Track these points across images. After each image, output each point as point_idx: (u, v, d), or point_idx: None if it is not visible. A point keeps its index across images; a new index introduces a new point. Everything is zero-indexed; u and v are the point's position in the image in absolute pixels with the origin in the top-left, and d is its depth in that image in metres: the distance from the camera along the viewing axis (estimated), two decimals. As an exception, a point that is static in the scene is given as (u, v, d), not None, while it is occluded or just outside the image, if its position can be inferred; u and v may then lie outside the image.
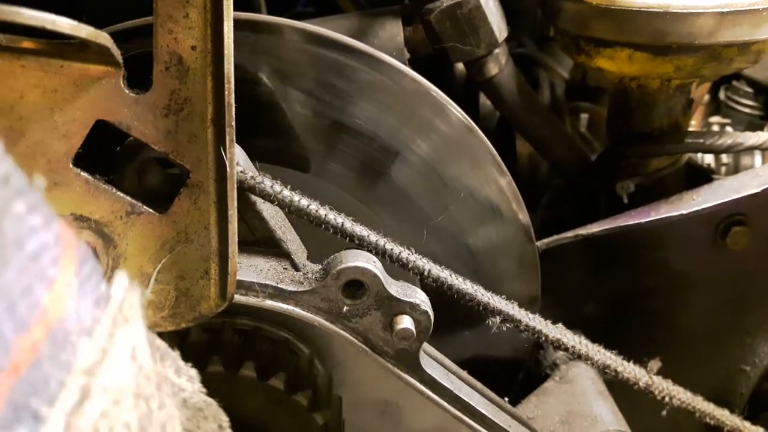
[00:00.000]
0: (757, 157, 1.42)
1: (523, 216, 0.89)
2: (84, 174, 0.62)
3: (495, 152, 0.86)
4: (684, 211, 0.94)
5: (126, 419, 0.39)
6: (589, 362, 0.86)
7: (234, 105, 0.60)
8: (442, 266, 0.76)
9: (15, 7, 0.47)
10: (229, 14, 0.59)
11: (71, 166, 0.61)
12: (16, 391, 0.33)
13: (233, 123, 0.61)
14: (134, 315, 0.43)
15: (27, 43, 0.56)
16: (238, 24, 0.75)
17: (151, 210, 0.64)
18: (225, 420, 0.58)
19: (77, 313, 0.38)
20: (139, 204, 0.63)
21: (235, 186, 0.63)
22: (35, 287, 0.35)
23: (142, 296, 0.45)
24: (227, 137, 0.61)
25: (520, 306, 0.81)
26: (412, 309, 0.74)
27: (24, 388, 0.33)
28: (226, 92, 0.60)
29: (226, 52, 0.59)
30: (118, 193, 0.63)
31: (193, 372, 0.54)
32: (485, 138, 0.85)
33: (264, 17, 0.80)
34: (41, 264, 0.35)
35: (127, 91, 0.60)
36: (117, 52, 0.58)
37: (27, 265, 0.34)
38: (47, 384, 0.34)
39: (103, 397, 0.37)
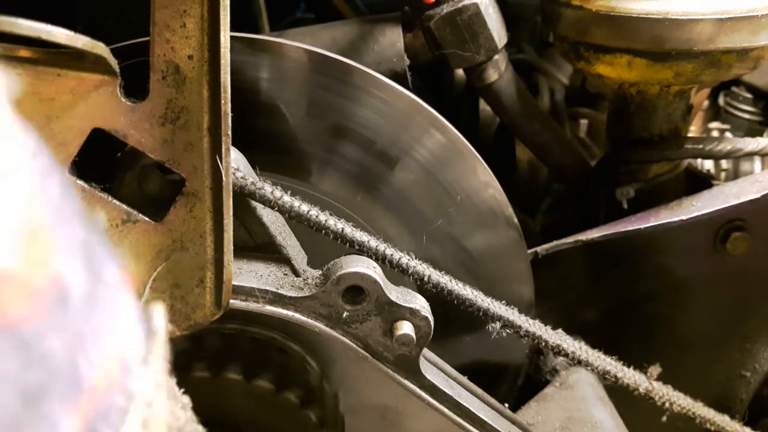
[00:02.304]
0: (757, 163, 1.41)
1: (515, 221, 0.89)
2: (80, 182, 0.62)
3: (483, 162, 0.87)
4: (684, 217, 0.94)
5: None
6: (589, 368, 0.86)
7: (230, 114, 0.61)
8: (442, 271, 0.77)
9: (12, 18, 0.47)
10: (226, 24, 0.59)
11: (67, 174, 0.61)
12: (92, 416, 0.33)
13: (229, 132, 0.61)
14: (167, 348, 0.43)
15: (23, 52, 0.56)
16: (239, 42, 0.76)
17: (147, 218, 0.64)
18: None
19: (136, 340, 0.39)
20: (135, 212, 0.64)
21: (231, 194, 0.63)
22: (113, 316, 0.36)
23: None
24: (223, 146, 0.61)
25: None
26: (412, 315, 0.74)
27: (98, 413, 0.34)
28: (223, 101, 0.60)
29: (222, 61, 0.59)
30: (114, 201, 0.63)
31: (186, 399, 0.53)
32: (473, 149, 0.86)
33: (263, 37, 0.80)
34: (115, 292, 0.36)
35: (123, 100, 0.61)
36: (113, 62, 0.58)
37: (106, 295, 0.35)
38: (113, 412, 0.35)
39: (154, 430, 0.38)
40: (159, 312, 0.44)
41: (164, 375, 0.41)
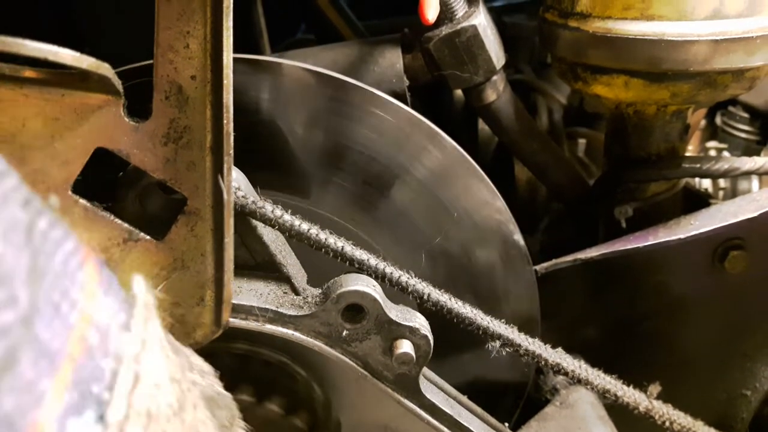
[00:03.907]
0: (755, 182, 1.42)
1: (519, 238, 0.90)
2: (82, 201, 0.62)
3: (486, 177, 0.87)
4: (682, 236, 0.94)
5: (168, 399, 0.43)
6: (589, 387, 0.86)
7: (232, 134, 0.61)
8: (442, 290, 0.77)
9: (18, 39, 0.48)
10: (228, 45, 0.60)
11: (70, 193, 0.61)
12: (77, 378, 0.37)
13: (231, 151, 0.62)
14: (154, 312, 0.47)
15: (29, 73, 0.57)
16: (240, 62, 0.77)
17: (148, 237, 0.64)
18: (236, 410, 0.61)
19: (111, 310, 0.42)
20: (137, 231, 0.64)
21: (232, 213, 0.64)
22: (71, 290, 0.39)
23: (156, 296, 0.49)
24: (225, 165, 0.61)
25: (520, 329, 0.81)
26: (411, 333, 0.74)
27: (84, 376, 0.37)
28: (225, 121, 0.61)
29: (225, 81, 0.60)
30: (116, 220, 0.63)
31: (207, 367, 0.56)
32: (476, 165, 0.86)
33: (265, 58, 0.81)
34: (70, 270, 0.39)
35: (127, 120, 0.61)
36: (118, 82, 0.59)
37: (60, 272, 0.38)
38: (103, 373, 0.39)
39: (149, 381, 0.42)
40: (138, 281, 0.47)
41: (154, 335, 0.45)
